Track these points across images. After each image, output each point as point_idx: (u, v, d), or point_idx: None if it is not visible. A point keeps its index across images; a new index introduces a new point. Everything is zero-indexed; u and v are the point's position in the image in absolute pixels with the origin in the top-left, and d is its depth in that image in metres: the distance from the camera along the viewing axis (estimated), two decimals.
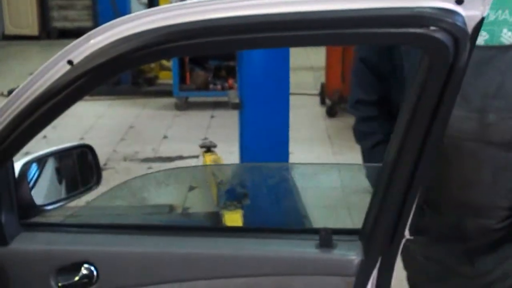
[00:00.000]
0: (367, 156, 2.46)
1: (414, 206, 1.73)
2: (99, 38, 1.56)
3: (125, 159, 6.51)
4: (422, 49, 1.50)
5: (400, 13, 1.42)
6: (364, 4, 1.43)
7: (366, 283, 1.83)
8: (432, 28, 1.42)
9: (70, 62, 1.58)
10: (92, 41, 1.56)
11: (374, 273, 1.83)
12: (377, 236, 1.79)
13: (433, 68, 1.50)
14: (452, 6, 1.42)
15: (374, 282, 1.84)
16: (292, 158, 5.52)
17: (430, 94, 1.54)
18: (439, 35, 1.42)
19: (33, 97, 1.63)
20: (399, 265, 1.88)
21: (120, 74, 1.62)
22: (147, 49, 1.52)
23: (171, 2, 7.79)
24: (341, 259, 1.85)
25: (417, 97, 1.56)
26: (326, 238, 1.85)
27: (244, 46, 1.69)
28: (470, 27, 1.44)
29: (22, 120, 1.66)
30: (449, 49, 1.44)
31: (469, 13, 1.43)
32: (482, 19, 1.44)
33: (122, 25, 1.54)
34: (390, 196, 1.72)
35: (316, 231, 1.88)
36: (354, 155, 6.50)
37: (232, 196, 4.52)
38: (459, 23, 1.42)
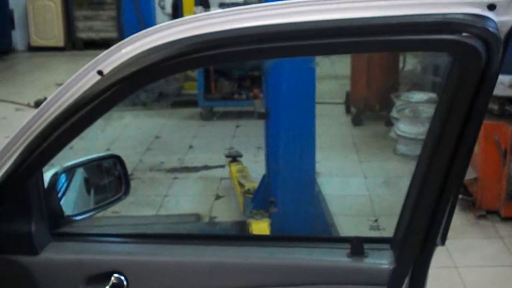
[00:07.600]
0: None
1: (446, 213, 1.72)
2: (130, 47, 1.56)
3: (151, 169, 6.52)
4: (454, 56, 1.49)
5: (432, 19, 1.41)
6: (396, 12, 1.42)
7: None
8: (464, 34, 1.41)
9: (100, 73, 1.58)
10: (123, 51, 1.56)
11: (406, 281, 1.81)
12: (409, 244, 1.77)
13: (465, 74, 1.48)
14: (484, 12, 1.41)
15: None
16: (319, 167, 5.49)
17: (462, 100, 1.52)
18: (471, 41, 1.41)
19: (62, 108, 1.64)
20: (430, 273, 1.86)
21: (150, 84, 1.62)
22: (178, 59, 1.53)
23: (194, 12, 7.82)
24: (373, 267, 1.83)
25: (449, 104, 1.54)
26: (358, 246, 1.83)
27: (273, 54, 1.69)
28: (502, 33, 1.43)
29: (52, 130, 1.67)
30: (481, 55, 1.42)
31: (502, 19, 1.42)
32: None
33: (153, 35, 1.54)
34: (422, 204, 1.70)
35: (346, 239, 1.87)
36: (380, 163, 6.52)
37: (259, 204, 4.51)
38: (491, 29, 1.41)
